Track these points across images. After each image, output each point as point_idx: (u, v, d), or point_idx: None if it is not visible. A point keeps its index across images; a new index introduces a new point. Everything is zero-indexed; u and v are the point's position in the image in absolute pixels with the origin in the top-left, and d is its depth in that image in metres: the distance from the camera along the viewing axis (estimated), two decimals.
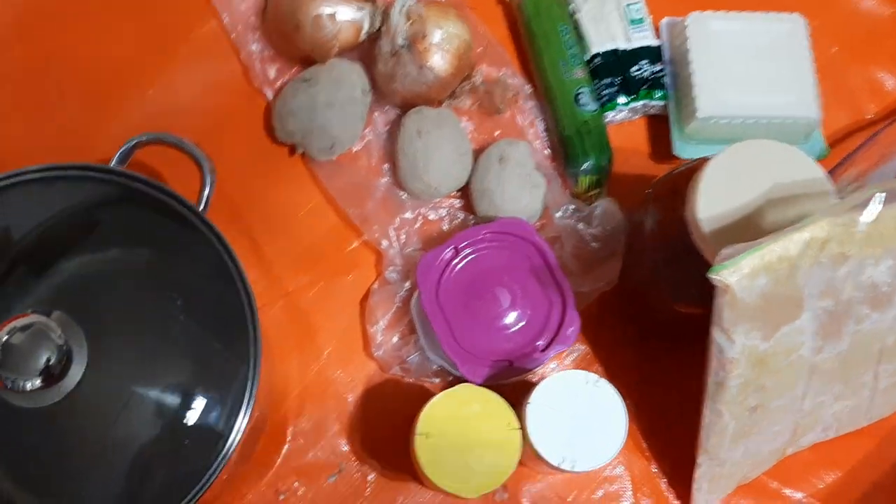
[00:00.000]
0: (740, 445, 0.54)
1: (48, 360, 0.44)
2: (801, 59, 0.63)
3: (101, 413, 0.52)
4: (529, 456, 0.51)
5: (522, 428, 0.50)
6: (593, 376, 0.51)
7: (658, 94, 0.66)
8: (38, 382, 0.44)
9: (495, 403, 0.51)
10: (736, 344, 0.46)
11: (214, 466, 0.49)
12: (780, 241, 0.43)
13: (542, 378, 0.52)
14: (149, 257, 0.55)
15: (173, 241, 0.52)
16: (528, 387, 0.52)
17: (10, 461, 0.51)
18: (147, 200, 0.50)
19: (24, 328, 0.44)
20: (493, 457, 0.50)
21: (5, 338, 0.43)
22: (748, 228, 0.48)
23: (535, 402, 0.50)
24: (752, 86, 0.63)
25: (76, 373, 0.47)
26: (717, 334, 0.46)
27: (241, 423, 0.49)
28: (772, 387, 0.50)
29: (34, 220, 0.53)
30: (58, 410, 0.47)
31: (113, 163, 0.50)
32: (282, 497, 0.58)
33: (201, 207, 0.51)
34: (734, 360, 0.47)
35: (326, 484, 0.59)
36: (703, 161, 0.53)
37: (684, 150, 0.65)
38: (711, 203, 0.50)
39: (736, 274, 0.43)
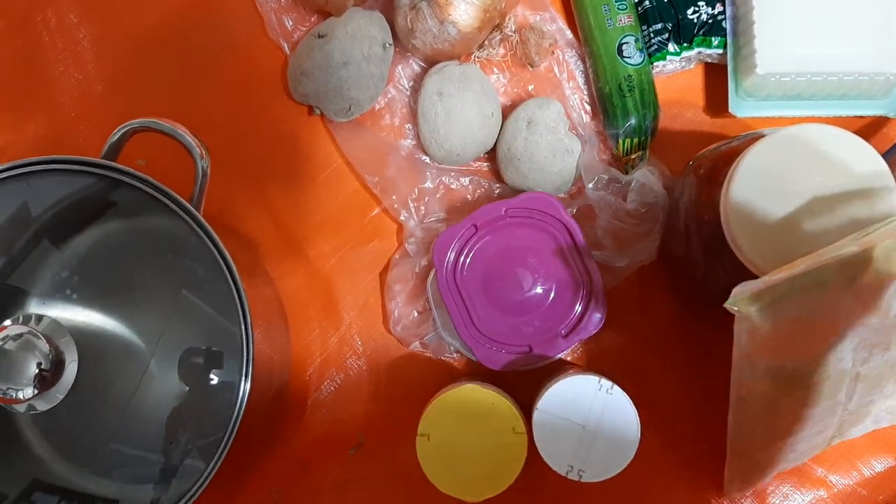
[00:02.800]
0: (772, 447, 0.50)
1: (39, 364, 0.45)
2: (882, 4, 0.54)
3: (119, 388, 0.53)
4: (539, 462, 0.49)
5: (529, 433, 0.48)
6: (607, 383, 0.47)
7: (716, 41, 0.58)
8: (30, 392, 0.44)
9: (501, 405, 0.48)
10: (759, 367, 0.41)
11: (229, 430, 0.49)
12: (812, 269, 0.38)
13: (561, 370, 0.49)
14: (158, 235, 0.54)
15: (169, 227, 0.52)
16: (539, 387, 0.49)
17: (36, 434, 0.53)
18: (139, 192, 0.49)
19: (14, 337, 0.44)
20: (497, 462, 0.48)
21: None
22: (788, 228, 0.43)
23: (544, 408, 0.48)
24: (823, 36, 0.54)
25: (71, 373, 0.47)
26: (738, 356, 0.42)
27: (245, 387, 0.49)
28: (806, 398, 0.46)
29: (51, 199, 0.53)
30: (76, 390, 0.48)
31: (103, 153, 0.48)
32: (303, 466, 0.59)
33: (194, 200, 0.49)
34: (757, 382, 0.42)
35: (347, 455, 0.59)
36: (749, 141, 0.46)
37: (741, 107, 0.58)
38: (748, 195, 0.44)
39: (755, 305, 0.38)
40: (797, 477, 0.57)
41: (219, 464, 0.49)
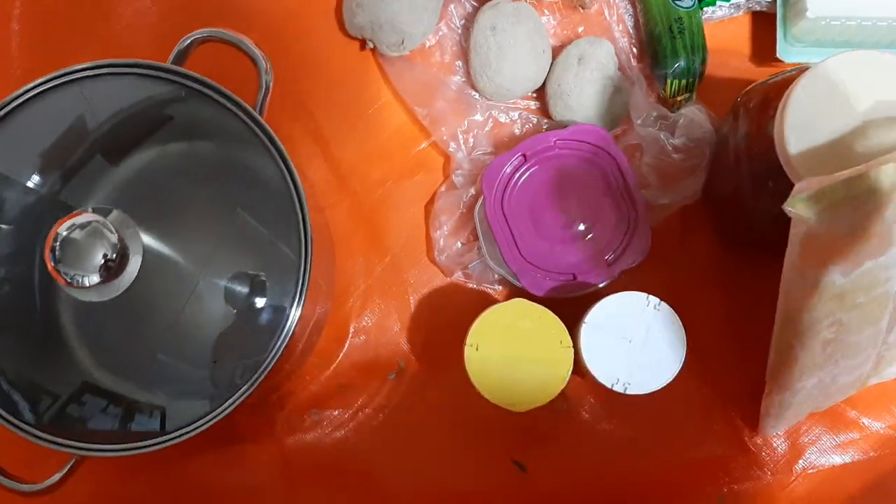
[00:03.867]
0: (813, 377, 0.51)
1: (105, 255, 0.46)
2: None
3: (170, 302, 0.54)
4: (585, 375, 0.50)
5: (576, 347, 0.49)
6: (655, 299, 0.48)
7: None
8: (95, 278, 0.45)
9: (548, 320, 0.49)
10: (808, 279, 0.42)
11: (273, 353, 0.50)
12: (870, 173, 0.39)
13: (602, 297, 0.50)
14: (214, 153, 0.56)
15: (236, 139, 0.52)
16: (586, 306, 0.50)
17: (87, 342, 0.54)
18: (206, 99, 0.50)
19: (82, 226, 0.45)
20: (543, 374, 0.49)
21: (64, 233, 0.45)
22: (840, 152, 0.44)
23: (592, 322, 0.49)
24: None
25: (134, 267, 0.48)
26: (788, 268, 0.42)
27: (295, 314, 0.50)
28: (849, 322, 0.46)
29: (108, 111, 0.54)
30: (127, 299, 0.49)
31: (170, 60, 0.49)
32: (342, 390, 0.60)
33: (258, 107, 0.50)
34: (806, 296, 0.43)
35: (386, 381, 0.60)
36: (801, 71, 0.47)
37: (789, 53, 0.59)
38: (802, 120, 0.45)
39: (814, 207, 0.39)
40: (830, 418, 0.58)
41: (256, 385, 0.50)
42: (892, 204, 0.40)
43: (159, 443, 0.49)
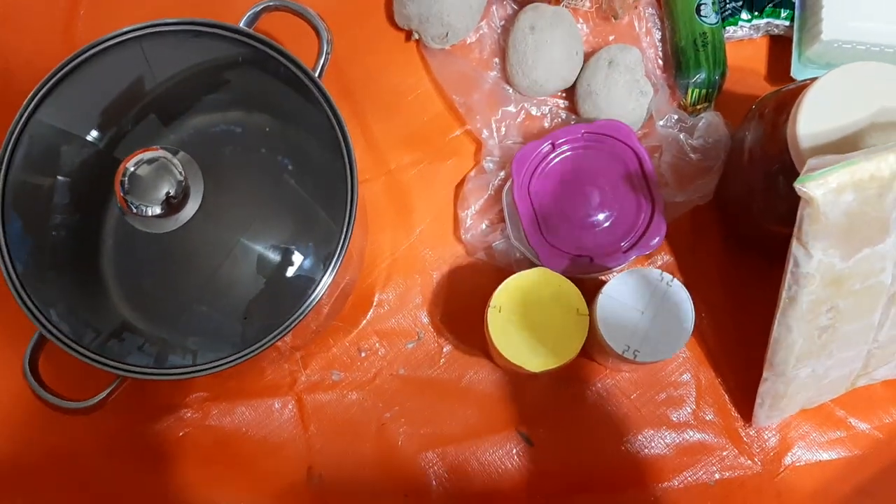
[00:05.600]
0: (807, 365, 0.54)
1: (168, 192, 0.49)
2: None
3: (209, 255, 0.57)
4: (596, 346, 0.54)
5: (591, 316, 0.52)
6: (668, 276, 0.52)
7: (785, 13, 0.64)
8: (157, 209, 0.49)
9: (568, 289, 0.53)
10: (813, 259, 0.46)
11: (301, 311, 0.53)
12: (873, 160, 0.43)
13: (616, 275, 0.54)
14: (266, 119, 0.59)
15: (290, 106, 0.56)
16: (599, 284, 0.54)
17: (128, 286, 0.57)
18: (269, 64, 0.54)
19: (150, 161, 0.49)
20: (560, 338, 0.52)
21: (132, 168, 0.49)
22: (848, 151, 0.48)
23: (608, 293, 0.52)
24: (889, 13, 0.60)
25: (191, 209, 0.52)
26: (795, 247, 0.47)
27: (328, 278, 0.53)
28: (846, 309, 0.50)
29: (167, 71, 0.57)
30: (173, 241, 0.53)
31: (243, 22, 0.54)
32: (363, 354, 0.63)
33: (317, 74, 0.54)
34: (809, 276, 0.47)
35: (405, 348, 0.63)
36: (814, 79, 0.52)
37: (803, 73, 0.64)
38: (814, 121, 0.49)
39: (822, 187, 0.43)
40: (819, 416, 0.61)
41: (284, 334, 0.53)
42: (891, 193, 0.45)
43: (191, 372, 0.53)
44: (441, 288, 0.65)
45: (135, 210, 0.49)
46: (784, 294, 0.50)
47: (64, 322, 0.55)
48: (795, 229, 0.46)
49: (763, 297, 0.56)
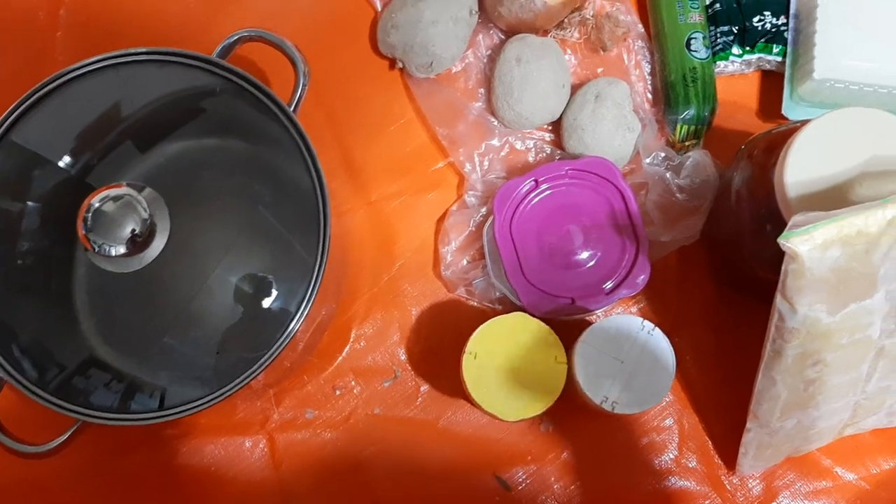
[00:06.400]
0: (793, 417, 0.53)
1: (133, 229, 0.48)
2: None
3: (182, 288, 0.56)
4: (574, 393, 0.52)
5: (570, 364, 0.51)
6: (649, 324, 0.51)
7: (777, 48, 0.63)
8: (122, 249, 0.47)
9: (546, 336, 0.51)
10: (798, 314, 0.45)
11: (275, 348, 0.51)
12: (860, 216, 0.41)
13: (599, 319, 0.52)
14: (242, 150, 0.58)
15: (265, 137, 0.55)
16: (580, 328, 0.52)
17: (99, 317, 0.56)
18: (244, 94, 0.52)
19: (115, 198, 0.48)
20: (537, 386, 0.51)
21: (97, 205, 0.47)
22: (836, 200, 0.46)
23: (587, 341, 0.51)
24: (881, 53, 0.59)
25: (158, 246, 0.50)
26: (779, 301, 0.45)
27: (302, 313, 0.51)
28: (833, 362, 0.49)
29: (144, 100, 0.56)
30: (144, 274, 0.51)
31: (215, 54, 0.52)
32: (338, 392, 0.61)
33: (292, 107, 0.52)
34: (794, 330, 0.46)
35: (381, 387, 0.62)
36: (804, 122, 0.50)
37: (794, 111, 0.62)
38: (802, 169, 0.48)
39: (807, 243, 0.41)
40: (805, 465, 0.60)
41: (255, 375, 0.51)
42: (878, 249, 0.43)
43: (157, 417, 0.51)
44: (420, 325, 0.63)
45: (97, 249, 0.48)
46: (768, 346, 0.48)
47: (26, 357, 0.53)
48: (780, 284, 0.44)
49: (751, 340, 0.55)
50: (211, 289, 0.55)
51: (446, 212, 0.64)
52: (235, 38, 0.52)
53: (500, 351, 0.51)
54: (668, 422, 0.60)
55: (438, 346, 0.62)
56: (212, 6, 0.67)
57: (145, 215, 0.48)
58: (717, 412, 0.60)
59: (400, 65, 0.64)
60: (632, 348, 0.50)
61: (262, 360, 0.52)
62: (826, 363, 0.49)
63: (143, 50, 0.52)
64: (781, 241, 0.42)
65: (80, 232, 0.48)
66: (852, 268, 0.43)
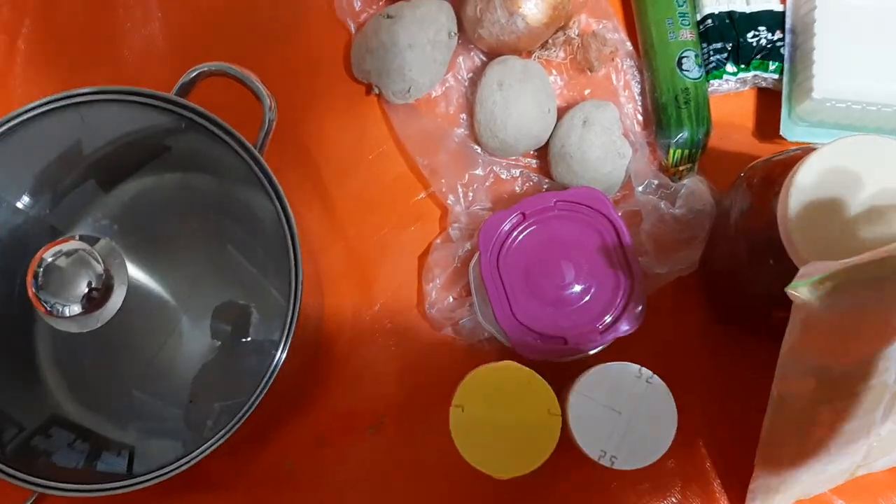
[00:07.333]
0: (802, 463, 0.49)
1: (89, 284, 0.44)
2: None
3: (149, 336, 0.53)
4: (569, 443, 0.48)
5: (563, 416, 0.47)
6: (647, 372, 0.47)
7: (773, 65, 0.59)
8: (77, 308, 0.44)
9: (538, 386, 0.48)
10: (806, 364, 0.41)
11: (253, 400, 0.48)
12: (873, 262, 0.38)
13: (592, 366, 0.49)
14: (208, 187, 0.55)
15: (230, 176, 0.52)
16: (576, 373, 0.49)
17: (65, 369, 0.53)
18: (206, 132, 0.49)
19: (68, 253, 0.44)
20: (529, 441, 0.47)
21: (49, 259, 0.44)
22: (844, 235, 0.43)
23: (581, 391, 0.47)
24: (882, 71, 0.56)
25: (117, 300, 0.47)
26: (786, 350, 0.42)
27: (280, 358, 0.48)
28: (844, 409, 0.45)
29: (105, 138, 0.54)
30: (104, 332, 0.48)
31: (174, 91, 0.49)
32: (321, 442, 0.58)
33: (258, 145, 0.49)
34: (802, 380, 0.42)
35: (365, 434, 0.58)
36: (807, 151, 0.47)
37: (793, 131, 0.59)
38: (806, 200, 0.44)
39: (817, 292, 0.38)
40: None
41: (235, 429, 0.48)
42: (894, 296, 0.40)
43: (127, 486, 0.47)
44: (406, 366, 0.59)
45: (49, 309, 0.44)
46: (775, 393, 0.45)
47: None
48: (787, 334, 0.41)
49: (754, 375, 0.51)
50: (181, 336, 0.53)
51: (429, 246, 0.60)
52: (195, 73, 0.49)
53: (490, 403, 0.48)
54: (670, 463, 0.57)
55: (426, 389, 0.58)
56: (175, 36, 0.63)
57: (100, 269, 0.44)
58: (721, 452, 0.57)
59: (376, 91, 0.61)
60: (629, 398, 0.47)
61: (238, 416, 0.48)
62: (837, 410, 0.45)
63: (101, 89, 0.49)
64: (789, 290, 0.38)
65: (31, 290, 0.44)
66: (865, 317, 0.40)
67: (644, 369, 0.47)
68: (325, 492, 0.57)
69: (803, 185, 0.45)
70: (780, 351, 0.42)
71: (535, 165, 0.61)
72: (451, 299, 0.58)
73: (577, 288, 0.54)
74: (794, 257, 0.44)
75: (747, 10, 0.60)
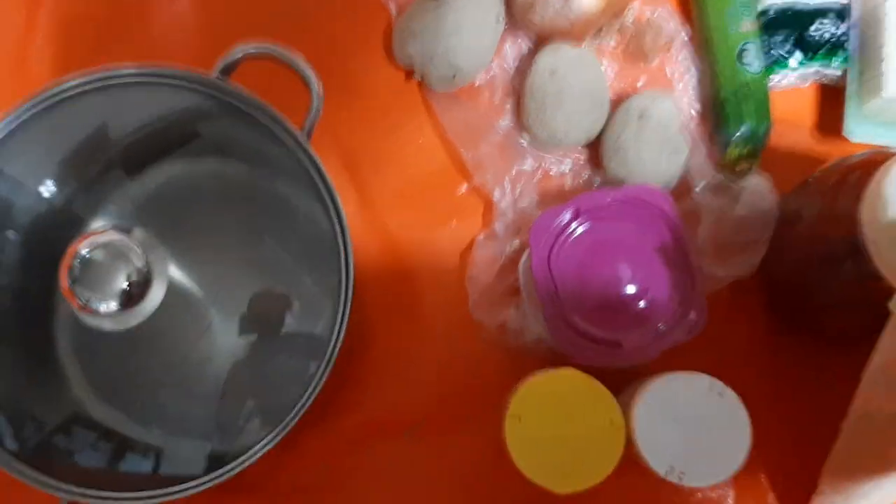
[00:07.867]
0: (873, 481, 0.47)
1: (129, 278, 0.41)
2: None
3: (182, 333, 0.51)
4: (632, 459, 0.46)
5: (628, 428, 0.45)
6: (719, 384, 0.44)
7: (838, 59, 0.57)
8: (113, 305, 0.41)
9: (600, 395, 0.45)
10: None
11: (296, 411, 0.45)
12: None
13: (656, 374, 0.46)
14: (245, 176, 0.52)
15: (272, 163, 0.49)
16: (639, 382, 0.46)
17: (86, 363, 0.50)
18: (246, 118, 0.46)
19: (105, 245, 0.41)
20: (590, 454, 0.44)
21: (85, 252, 0.40)
22: None
23: (647, 402, 0.45)
24: None
25: (156, 296, 0.43)
26: (878, 366, 0.39)
27: (326, 366, 0.45)
28: None
29: (134, 122, 0.51)
30: (138, 331, 0.45)
31: (215, 73, 0.45)
32: (356, 444, 0.55)
33: (305, 133, 0.46)
34: (892, 397, 0.40)
35: (401, 439, 0.55)
36: (887, 155, 0.44)
37: (858, 131, 0.56)
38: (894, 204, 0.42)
39: None
40: None
41: (265, 449, 0.44)
42: None
43: (157, 496, 0.44)
44: (447, 369, 0.56)
45: (84, 304, 0.41)
46: (857, 406, 0.42)
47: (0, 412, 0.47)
48: (879, 348, 0.38)
49: (813, 386, 0.49)
50: (214, 333, 0.50)
51: (473, 242, 0.57)
52: (241, 54, 0.45)
53: (549, 412, 0.45)
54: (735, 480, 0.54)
55: (465, 394, 0.55)
56: (208, 15, 0.60)
57: (141, 263, 0.41)
58: (778, 469, 0.54)
59: (418, 77, 0.58)
60: (699, 411, 0.44)
61: (277, 430, 0.45)
62: None
63: (133, 71, 0.45)
64: (892, 305, 0.36)
65: (65, 284, 0.41)
66: None
67: (716, 381, 0.45)
68: (358, 499, 0.54)
69: (891, 189, 0.42)
70: (870, 365, 0.40)
71: (585, 159, 0.58)
72: (496, 299, 0.55)
73: (633, 290, 0.51)
74: (880, 264, 0.41)
75: (811, 1, 0.57)
